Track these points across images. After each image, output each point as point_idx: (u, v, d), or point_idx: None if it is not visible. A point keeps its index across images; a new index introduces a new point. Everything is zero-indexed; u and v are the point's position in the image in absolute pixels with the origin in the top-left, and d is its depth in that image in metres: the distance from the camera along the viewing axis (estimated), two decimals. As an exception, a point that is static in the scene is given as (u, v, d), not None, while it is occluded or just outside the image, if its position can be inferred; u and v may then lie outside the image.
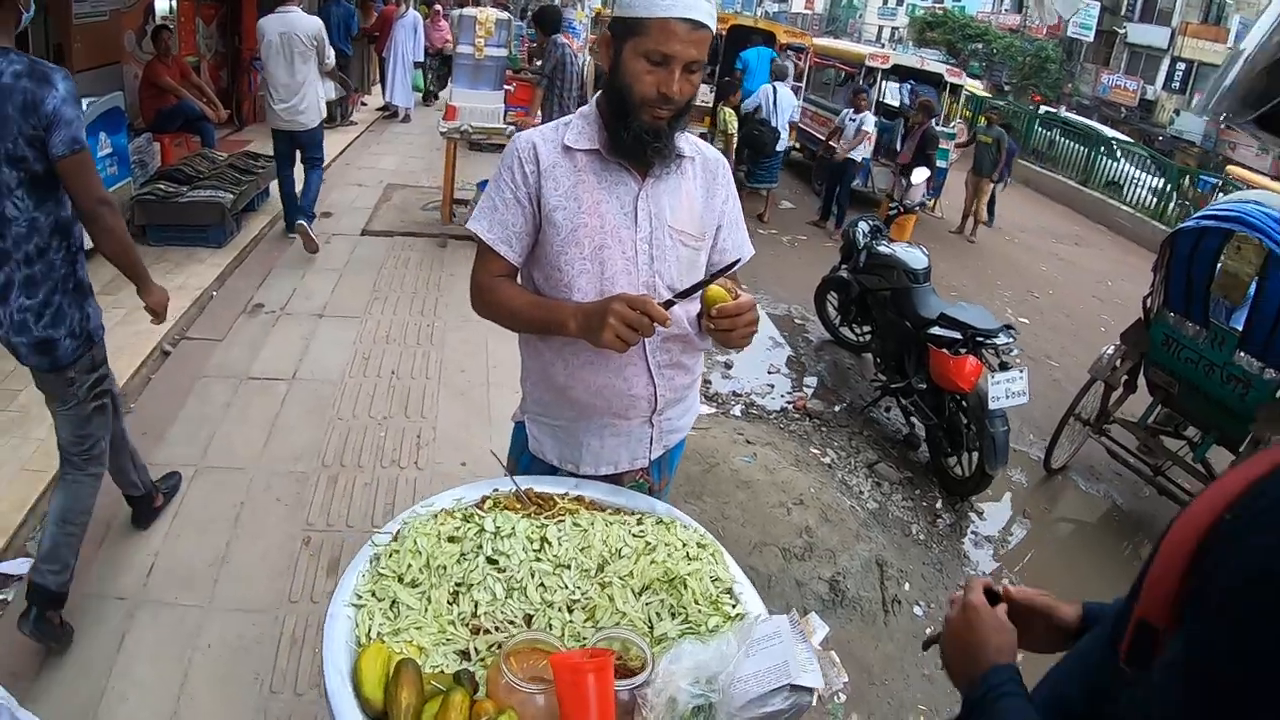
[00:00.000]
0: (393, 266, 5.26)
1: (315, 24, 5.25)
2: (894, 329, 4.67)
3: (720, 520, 3.38)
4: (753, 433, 4.26)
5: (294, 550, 2.76)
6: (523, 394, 1.74)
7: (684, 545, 1.39)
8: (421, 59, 10.47)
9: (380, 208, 6.56)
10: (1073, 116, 21.25)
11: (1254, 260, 4.10)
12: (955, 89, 10.63)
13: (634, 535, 1.39)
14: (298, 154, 5.46)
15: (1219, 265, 4.34)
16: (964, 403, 4.15)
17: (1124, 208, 13.07)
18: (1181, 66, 28.45)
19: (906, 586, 3.37)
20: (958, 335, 4.14)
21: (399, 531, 1.35)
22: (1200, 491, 0.82)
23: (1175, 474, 4.76)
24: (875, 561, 3.46)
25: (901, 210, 6.56)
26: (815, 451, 4.32)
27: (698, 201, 1.58)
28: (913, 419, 4.69)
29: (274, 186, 5.77)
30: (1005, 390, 3.98)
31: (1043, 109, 21.59)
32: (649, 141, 1.43)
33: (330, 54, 5.38)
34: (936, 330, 4.24)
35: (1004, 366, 4.18)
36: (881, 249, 5.00)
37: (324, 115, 5.55)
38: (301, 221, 5.32)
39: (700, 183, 1.59)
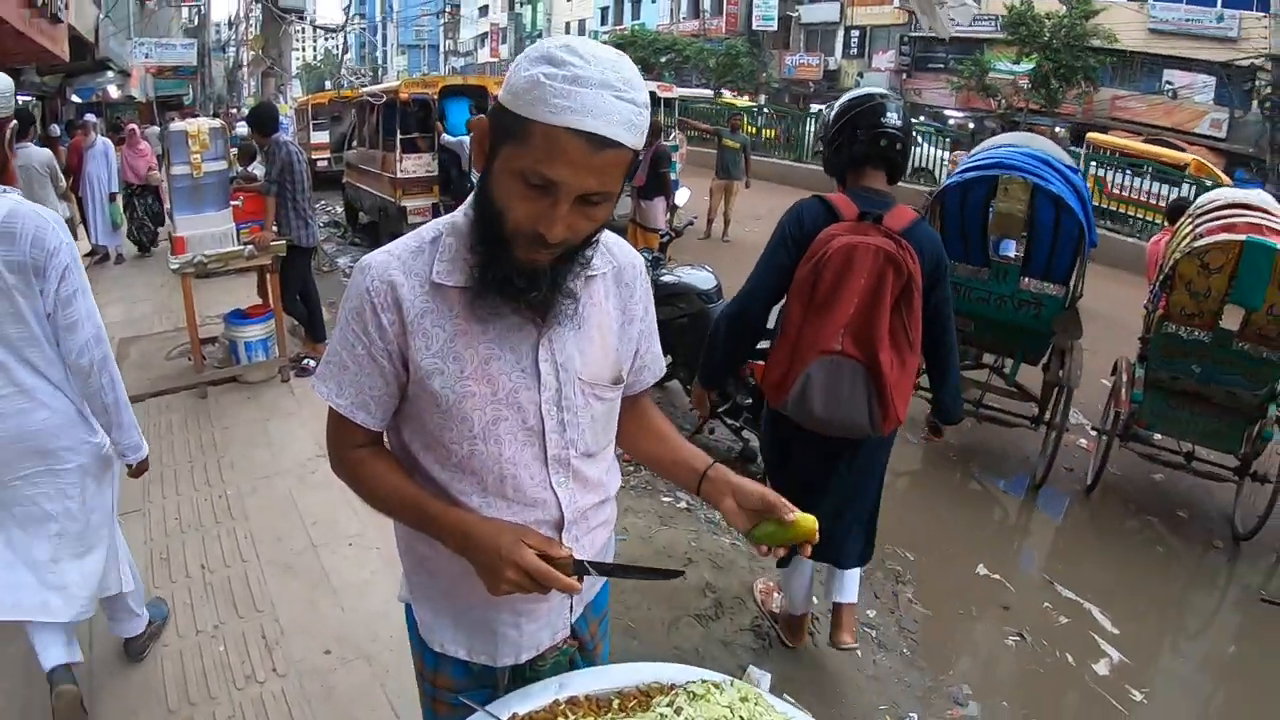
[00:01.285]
0: (156, 438, 4.46)
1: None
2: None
3: (624, 611, 3.14)
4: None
5: None
6: (402, 563, 1.37)
7: (729, 708, 1.11)
8: (115, 190, 9.31)
9: (120, 369, 5.58)
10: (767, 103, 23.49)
11: (1022, 197, 4.56)
12: (670, 104, 11.25)
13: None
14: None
15: (991, 209, 4.80)
16: None
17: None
18: (855, 34, 32.16)
19: (814, 600, 3.32)
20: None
21: None
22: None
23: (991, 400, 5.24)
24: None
25: (674, 235, 6.66)
26: (668, 500, 4.20)
27: (612, 335, 1.25)
28: (744, 433, 4.73)
29: None
30: None
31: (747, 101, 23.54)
32: (521, 289, 1.07)
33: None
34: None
35: None
36: (667, 279, 4.98)
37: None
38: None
39: (615, 303, 1.26)
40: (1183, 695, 3.42)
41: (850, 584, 2.81)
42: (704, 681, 1.16)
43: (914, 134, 3.51)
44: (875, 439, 2.45)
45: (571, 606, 1.34)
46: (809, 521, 1.14)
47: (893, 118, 2.28)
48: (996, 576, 3.96)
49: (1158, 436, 4.75)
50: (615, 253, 1.27)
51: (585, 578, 1.13)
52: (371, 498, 1.22)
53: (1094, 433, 5.21)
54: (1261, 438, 4.29)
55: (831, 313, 2.27)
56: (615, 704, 1.16)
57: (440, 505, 1.16)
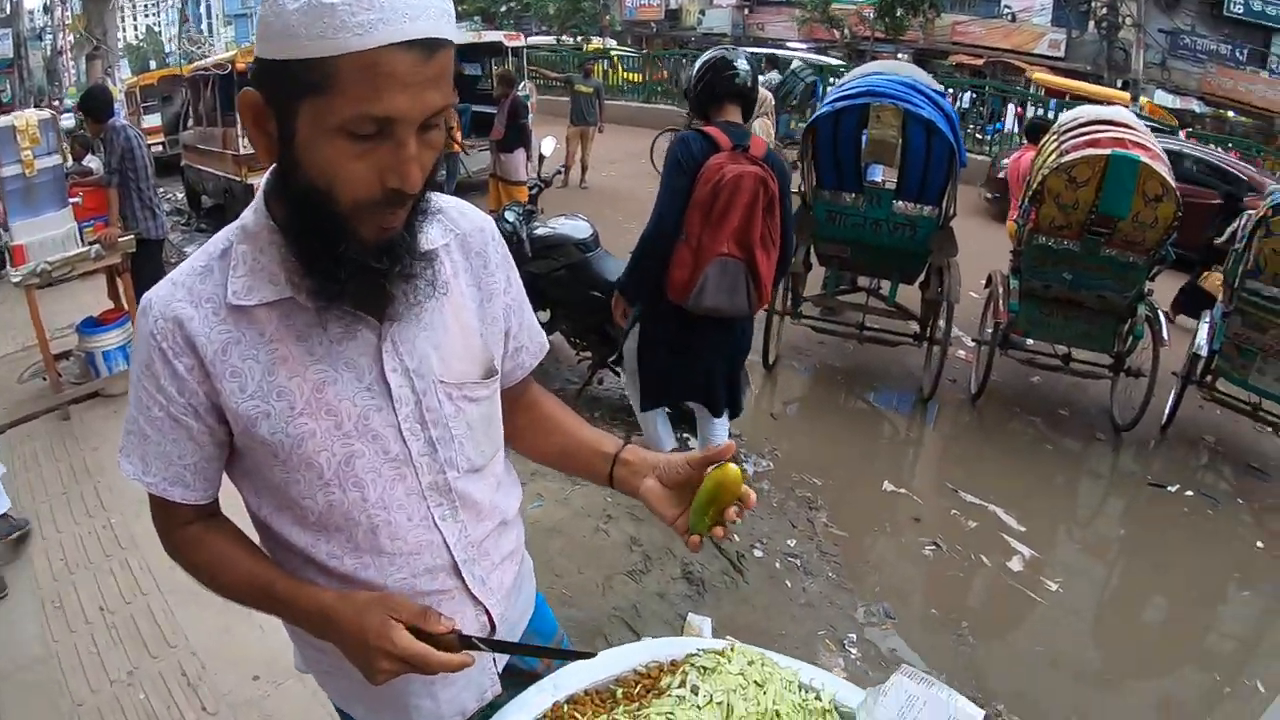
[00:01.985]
0: (23, 471, 4.05)
1: None
2: (585, 304, 4.59)
3: (556, 580, 3.12)
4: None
5: None
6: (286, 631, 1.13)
7: (742, 675, 1.04)
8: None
9: (-38, 403, 5.03)
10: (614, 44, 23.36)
11: (894, 123, 4.66)
12: (518, 53, 10.93)
13: (713, 703, 1.00)
14: None
15: (864, 136, 4.89)
16: None
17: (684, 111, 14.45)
18: (696, -30, 31.84)
19: (736, 537, 3.41)
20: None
21: None
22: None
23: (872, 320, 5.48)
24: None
25: (544, 185, 6.49)
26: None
27: (471, 318, 1.04)
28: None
29: None
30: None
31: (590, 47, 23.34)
32: (386, 272, 0.87)
33: None
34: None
35: None
36: (541, 231, 4.85)
37: None
38: None
39: (467, 279, 1.03)
40: (1091, 579, 3.70)
41: (722, 430, 3.32)
42: (709, 652, 1.08)
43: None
44: (747, 318, 3.08)
45: (495, 658, 1.15)
46: (736, 470, 0.99)
47: (742, 64, 2.86)
48: (902, 491, 4.16)
49: (1030, 342, 5.05)
50: (455, 218, 1.04)
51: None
52: (213, 584, 1.01)
53: (973, 344, 5.50)
54: (1133, 335, 4.65)
55: (724, 225, 2.78)
56: (619, 693, 1.04)
57: (290, 585, 0.96)
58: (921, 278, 5.24)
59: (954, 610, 3.31)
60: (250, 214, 0.92)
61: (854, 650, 2.98)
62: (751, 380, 4.97)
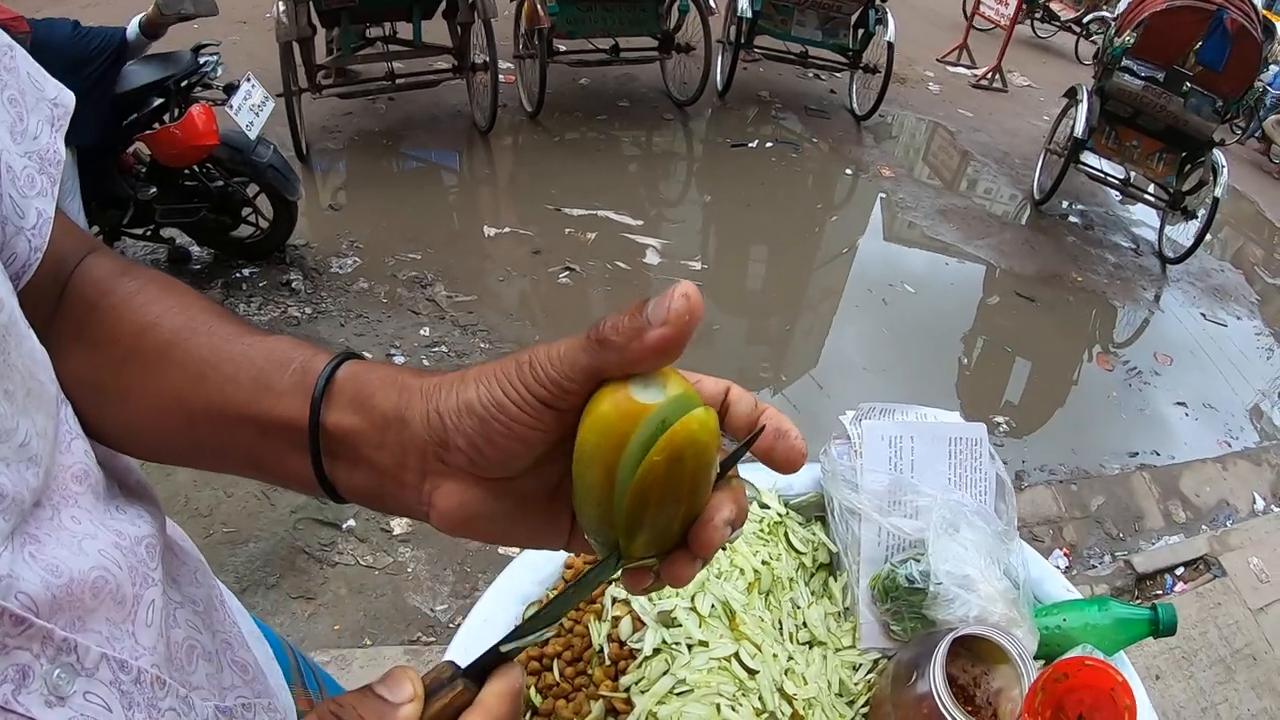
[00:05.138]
0: None
1: None
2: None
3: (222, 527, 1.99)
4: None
5: None
6: None
7: None
8: None
9: None
10: None
11: None
12: None
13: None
14: None
15: None
16: (219, 165, 3.10)
17: None
18: None
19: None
20: (159, 98, 2.90)
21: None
22: None
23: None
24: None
25: None
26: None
27: None
28: (168, 234, 3.36)
29: None
30: (250, 111, 3.07)
31: None
32: None
33: None
34: (132, 117, 2.89)
35: (229, 89, 3.05)
36: None
37: None
38: None
39: None
40: (724, 244, 3.72)
41: None
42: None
43: None
44: None
45: None
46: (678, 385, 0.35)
47: None
48: (506, 230, 3.63)
49: (565, 48, 4.68)
50: None
51: None
52: None
53: (514, 61, 4.93)
54: (679, 11, 4.53)
55: None
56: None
57: None
58: (443, 6, 4.41)
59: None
60: None
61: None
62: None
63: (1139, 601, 2.34)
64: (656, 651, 0.74)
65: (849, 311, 3.42)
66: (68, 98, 0.43)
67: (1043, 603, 0.89)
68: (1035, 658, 0.79)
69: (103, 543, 0.38)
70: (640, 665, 0.73)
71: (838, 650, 0.83)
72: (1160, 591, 2.35)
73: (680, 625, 0.75)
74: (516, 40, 4.75)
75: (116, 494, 0.43)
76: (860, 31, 4.85)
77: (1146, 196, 4.57)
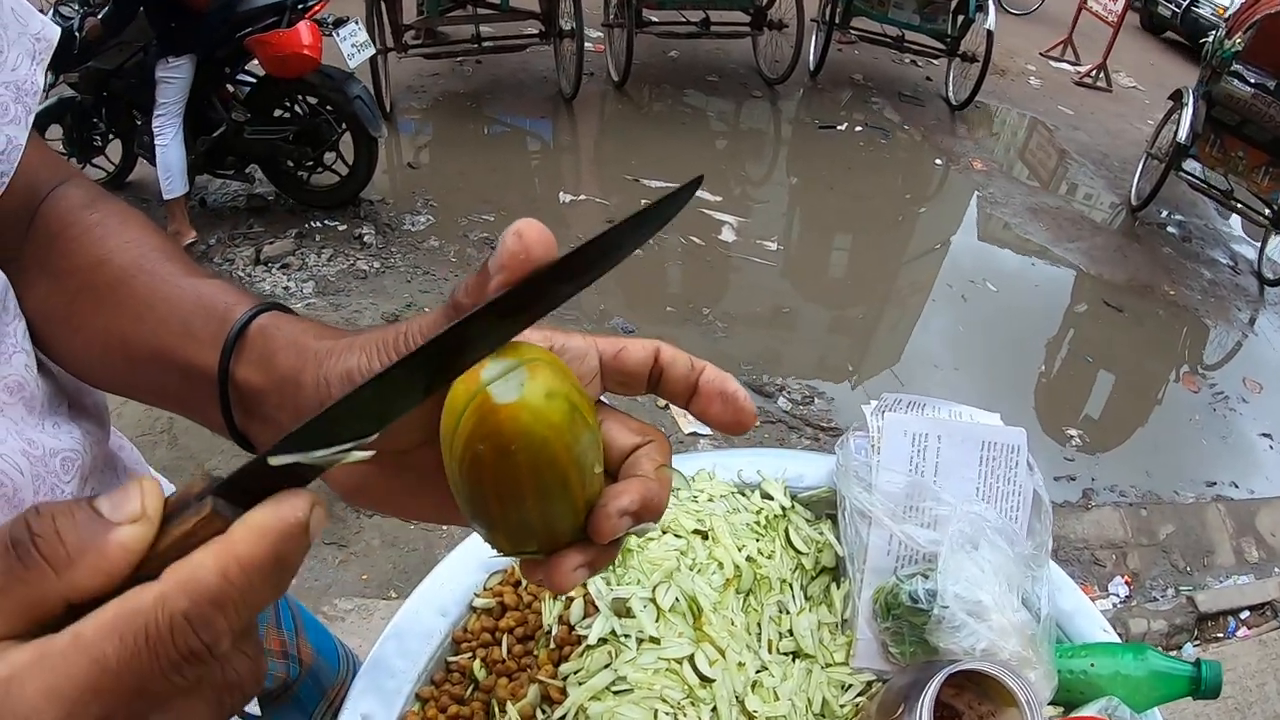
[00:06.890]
0: None
1: None
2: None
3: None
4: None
5: None
6: None
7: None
8: None
9: None
10: None
11: None
12: None
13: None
14: None
15: None
16: (312, 91, 3.23)
17: None
18: None
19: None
20: (273, 18, 3.03)
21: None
22: None
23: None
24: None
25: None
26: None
27: None
28: (250, 170, 3.46)
29: None
30: (353, 45, 3.32)
31: None
32: None
33: None
34: (246, 30, 3.05)
35: (339, 23, 3.25)
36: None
37: None
38: None
39: None
40: (802, 227, 3.67)
41: None
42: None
43: None
44: None
45: None
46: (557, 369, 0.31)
47: None
48: (582, 197, 3.64)
49: (656, 18, 4.63)
50: None
51: None
52: None
53: (603, 30, 4.91)
54: None
55: None
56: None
57: None
58: None
59: (691, 300, 2.94)
60: None
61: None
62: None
63: (1197, 642, 2.22)
64: (603, 641, 0.67)
65: (926, 305, 3.35)
66: (51, 32, 0.45)
67: (1071, 641, 0.78)
68: (1053, 702, 0.70)
69: (9, 448, 0.40)
70: (583, 654, 0.67)
71: (827, 666, 0.74)
72: (1221, 634, 2.22)
73: (634, 617, 0.68)
74: (606, 8, 4.71)
75: (59, 411, 0.45)
76: (960, 18, 4.66)
77: (1249, 211, 4.31)
